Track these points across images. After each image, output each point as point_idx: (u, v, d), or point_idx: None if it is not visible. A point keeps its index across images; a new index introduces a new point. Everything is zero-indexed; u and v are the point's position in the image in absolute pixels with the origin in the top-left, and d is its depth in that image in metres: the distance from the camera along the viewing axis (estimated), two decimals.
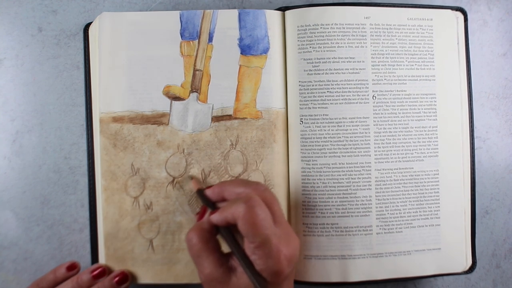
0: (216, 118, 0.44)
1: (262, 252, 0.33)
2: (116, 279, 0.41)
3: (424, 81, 0.45)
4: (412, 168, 0.45)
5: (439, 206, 0.45)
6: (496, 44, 0.51)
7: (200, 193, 0.39)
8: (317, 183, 0.44)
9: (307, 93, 0.44)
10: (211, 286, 0.35)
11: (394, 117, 0.44)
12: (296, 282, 0.44)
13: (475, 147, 0.48)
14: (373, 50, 0.44)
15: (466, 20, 0.47)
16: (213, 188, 0.38)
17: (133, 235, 0.43)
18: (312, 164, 0.44)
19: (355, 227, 0.44)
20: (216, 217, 0.35)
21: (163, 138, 0.44)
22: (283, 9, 0.45)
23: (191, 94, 0.44)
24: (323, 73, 0.44)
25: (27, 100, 0.47)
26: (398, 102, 0.45)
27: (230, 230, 0.35)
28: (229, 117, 0.44)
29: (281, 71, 0.45)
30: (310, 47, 0.44)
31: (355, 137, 0.44)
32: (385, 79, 0.44)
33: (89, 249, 0.45)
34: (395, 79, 0.45)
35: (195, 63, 0.44)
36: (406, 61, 0.45)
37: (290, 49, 0.45)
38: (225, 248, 0.36)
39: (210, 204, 0.38)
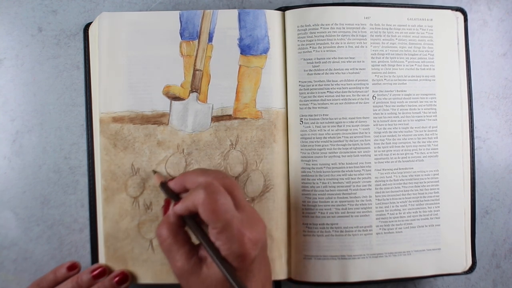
0: (216, 118, 0.44)
1: (225, 237, 0.33)
2: (116, 279, 0.41)
3: (424, 81, 0.45)
4: (412, 168, 0.45)
5: (439, 206, 0.45)
6: (496, 44, 0.51)
7: (163, 186, 0.39)
8: (317, 183, 0.44)
9: (307, 93, 0.44)
10: (184, 279, 0.35)
11: (394, 117, 0.44)
12: (296, 282, 0.44)
13: (475, 147, 0.48)
14: (373, 50, 0.44)
15: (466, 20, 0.47)
16: (175, 179, 0.38)
17: (133, 235, 0.43)
18: (312, 164, 0.44)
19: (355, 227, 0.44)
20: (178, 207, 0.35)
21: (163, 138, 0.44)
22: (283, 9, 0.45)
23: (191, 94, 0.44)
24: (323, 73, 0.44)
25: (27, 100, 0.47)
26: (398, 102, 0.45)
27: (195, 220, 0.35)
28: (229, 117, 0.44)
29: (281, 71, 0.45)
30: (310, 47, 0.44)
31: (355, 137, 0.44)
32: (385, 79, 0.44)
33: (89, 249, 0.45)
34: (395, 79, 0.45)
35: (195, 63, 0.44)
36: (406, 61, 0.45)
37: (290, 49, 0.45)
38: (196, 240, 0.36)
39: (174, 196, 0.38)
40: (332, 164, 0.44)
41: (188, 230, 0.37)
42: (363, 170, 0.44)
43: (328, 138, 0.44)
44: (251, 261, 0.34)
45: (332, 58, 0.44)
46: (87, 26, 0.46)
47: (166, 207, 0.39)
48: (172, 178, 0.39)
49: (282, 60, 0.45)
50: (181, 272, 0.35)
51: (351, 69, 0.44)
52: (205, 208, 0.33)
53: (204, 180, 0.36)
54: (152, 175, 0.43)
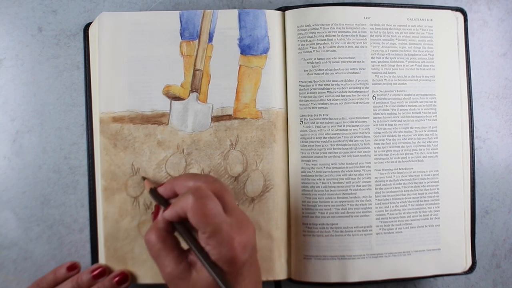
0: (216, 118, 0.44)
1: (214, 242, 0.33)
2: (116, 279, 0.41)
3: (424, 82, 0.45)
4: (412, 168, 0.45)
5: (439, 207, 0.45)
6: (496, 44, 0.51)
7: (153, 192, 0.39)
8: (317, 183, 0.44)
9: (307, 93, 0.44)
10: (173, 284, 0.35)
11: (394, 117, 0.44)
12: (296, 282, 0.44)
13: (475, 147, 0.48)
14: (373, 50, 0.44)
15: (466, 20, 0.47)
16: (164, 185, 0.38)
17: (133, 235, 0.43)
18: (312, 164, 0.44)
19: (354, 227, 0.44)
20: (168, 213, 0.35)
21: (163, 138, 0.44)
22: (283, 9, 0.45)
23: (191, 94, 0.44)
24: (323, 73, 0.44)
25: (27, 100, 0.47)
26: (398, 102, 0.45)
27: (185, 225, 0.35)
28: (229, 117, 0.44)
29: (281, 71, 0.45)
30: (310, 47, 0.44)
31: (355, 137, 0.44)
32: (385, 79, 0.44)
33: (89, 249, 0.45)
34: (395, 79, 0.45)
35: (195, 63, 0.44)
36: (406, 61, 0.45)
37: (290, 49, 0.45)
38: (184, 245, 0.36)
39: (163, 202, 0.38)
40: (332, 164, 0.44)
41: (178, 236, 0.36)
42: (363, 170, 0.44)
43: (328, 138, 0.44)
44: (241, 264, 0.34)
45: (332, 58, 0.44)
46: (87, 26, 0.46)
47: (155, 213, 0.39)
48: (162, 184, 0.39)
49: (282, 60, 0.45)
50: (171, 277, 0.35)
51: (351, 69, 0.44)
52: (194, 213, 0.33)
53: (193, 184, 0.36)
54: (142, 182, 0.43)
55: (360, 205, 0.44)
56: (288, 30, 0.45)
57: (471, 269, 0.45)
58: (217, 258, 0.33)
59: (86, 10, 0.48)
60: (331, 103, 0.44)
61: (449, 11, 0.46)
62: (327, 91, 0.44)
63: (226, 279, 0.33)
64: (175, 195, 0.37)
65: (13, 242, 0.46)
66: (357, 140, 0.44)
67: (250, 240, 0.35)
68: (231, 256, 0.33)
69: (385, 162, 0.44)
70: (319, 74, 0.44)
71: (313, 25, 0.44)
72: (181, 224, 0.35)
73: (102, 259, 0.43)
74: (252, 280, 0.36)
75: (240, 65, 0.44)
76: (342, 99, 0.44)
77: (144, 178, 0.43)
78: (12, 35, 0.47)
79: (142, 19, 0.44)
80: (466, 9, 0.47)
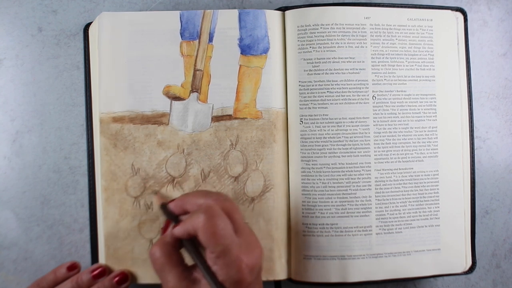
0: (216, 118, 0.44)
1: (223, 262, 0.33)
2: (116, 279, 0.41)
3: (424, 82, 0.45)
4: (412, 168, 0.45)
5: (438, 207, 0.45)
6: (496, 44, 0.51)
7: (163, 207, 0.39)
8: (317, 183, 0.44)
9: (307, 93, 0.44)
10: None
11: (394, 117, 0.44)
12: (296, 282, 0.44)
13: (475, 147, 0.48)
14: (373, 51, 0.44)
15: (466, 20, 0.47)
16: (175, 201, 0.38)
17: (133, 235, 0.43)
18: (312, 164, 0.44)
19: (354, 227, 0.44)
20: (178, 230, 0.35)
21: (163, 138, 0.44)
22: (283, 9, 0.45)
23: (191, 94, 0.44)
24: (323, 73, 0.44)
25: (27, 100, 0.47)
26: (398, 102, 0.45)
27: (193, 242, 0.35)
28: (229, 117, 0.44)
29: (281, 71, 0.45)
30: (310, 47, 0.44)
31: (355, 137, 0.44)
32: (385, 79, 0.44)
33: (89, 249, 0.45)
34: (395, 79, 0.45)
35: (195, 63, 0.44)
36: (406, 61, 0.45)
37: (290, 49, 0.45)
38: (189, 261, 0.36)
39: (173, 218, 0.38)
40: (332, 164, 0.44)
41: (184, 252, 0.36)
42: (363, 170, 0.44)
43: (328, 138, 0.44)
44: (247, 286, 0.34)
45: (332, 58, 0.44)
46: (87, 26, 0.46)
47: (165, 228, 0.39)
48: (173, 200, 0.39)
49: (282, 60, 0.45)
50: None
51: (351, 69, 0.44)
52: (204, 232, 0.33)
53: (204, 202, 0.36)
54: (153, 196, 0.43)
55: (360, 205, 0.44)
56: (288, 30, 0.45)
57: (471, 269, 0.46)
58: (224, 278, 0.33)
59: (86, 10, 0.48)
60: (331, 103, 0.44)
61: (449, 11, 0.46)
62: (327, 91, 0.44)
63: None
64: (185, 212, 0.37)
65: (13, 242, 0.46)
66: (357, 140, 0.44)
67: (258, 261, 0.35)
68: (238, 277, 0.33)
69: (385, 162, 0.44)
70: (319, 74, 0.44)
71: (313, 25, 0.44)
72: (190, 242, 0.35)
73: (102, 259, 0.43)
74: None
75: (240, 65, 0.44)
76: (342, 99, 0.44)
77: (155, 192, 0.43)
78: (12, 35, 0.47)
79: (142, 19, 0.44)
80: (466, 9, 0.47)
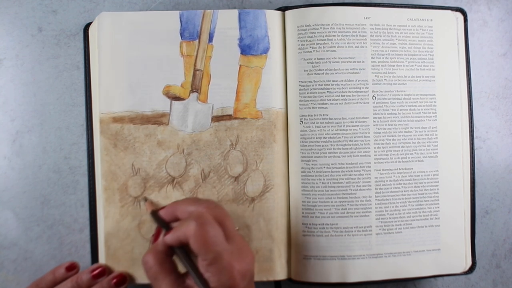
0: (216, 118, 0.44)
1: (214, 269, 0.33)
2: (114, 281, 0.41)
3: (424, 82, 0.45)
4: (412, 168, 0.45)
5: (438, 207, 0.45)
6: (496, 44, 0.51)
7: (154, 214, 0.38)
8: (317, 183, 0.44)
9: (307, 93, 0.44)
10: None
11: (394, 117, 0.44)
12: (296, 282, 0.44)
13: (475, 147, 0.48)
14: (373, 51, 0.44)
15: (466, 20, 0.47)
16: (166, 208, 0.38)
17: (133, 235, 0.43)
18: (312, 164, 0.44)
19: (354, 227, 0.44)
20: (169, 238, 0.35)
21: (163, 138, 0.44)
22: (283, 9, 0.45)
23: (191, 94, 0.44)
24: (323, 73, 0.44)
25: (27, 100, 0.47)
26: (398, 102, 0.45)
27: (185, 250, 0.35)
28: (229, 117, 0.44)
29: (281, 71, 0.45)
30: (310, 47, 0.44)
31: (355, 137, 0.44)
32: (385, 79, 0.44)
33: (89, 249, 0.45)
34: (395, 79, 0.45)
35: (195, 63, 0.44)
36: (406, 61, 0.45)
37: (290, 49, 0.45)
38: (182, 268, 0.36)
39: (164, 225, 0.38)
40: (332, 164, 0.44)
41: (176, 259, 0.36)
42: (363, 170, 0.44)
43: (328, 138, 0.44)
44: None
45: (332, 58, 0.44)
46: (87, 26, 0.46)
47: (156, 236, 0.39)
48: (163, 207, 0.39)
49: (282, 60, 0.45)
50: None
51: (351, 69, 0.44)
52: (196, 239, 0.33)
53: (195, 210, 0.36)
54: (143, 202, 0.43)
55: (360, 205, 0.44)
56: (288, 30, 0.45)
57: (471, 269, 0.46)
58: (216, 285, 0.33)
59: (86, 10, 0.48)
60: (331, 103, 0.44)
61: (449, 11, 0.46)
62: (327, 91, 0.44)
63: None
64: (176, 219, 0.37)
65: (13, 242, 0.46)
66: (357, 140, 0.44)
67: (250, 268, 0.35)
68: (230, 284, 0.33)
69: (385, 162, 0.44)
70: (319, 74, 0.44)
71: (313, 25, 0.44)
72: (182, 249, 0.35)
73: (102, 259, 0.43)
74: None
75: (240, 65, 0.44)
76: (342, 99, 0.44)
77: (145, 199, 0.43)
78: (12, 35, 0.47)
79: (142, 19, 0.44)
80: (466, 9, 0.47)
